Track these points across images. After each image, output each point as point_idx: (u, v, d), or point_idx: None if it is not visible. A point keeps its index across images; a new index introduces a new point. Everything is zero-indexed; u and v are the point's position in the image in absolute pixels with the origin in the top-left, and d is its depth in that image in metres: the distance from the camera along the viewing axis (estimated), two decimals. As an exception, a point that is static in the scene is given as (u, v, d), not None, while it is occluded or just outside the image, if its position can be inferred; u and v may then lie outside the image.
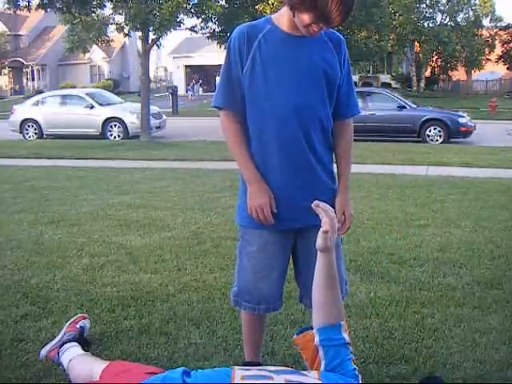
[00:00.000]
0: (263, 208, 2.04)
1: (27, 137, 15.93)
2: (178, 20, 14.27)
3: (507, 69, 37.78)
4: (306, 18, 1.87)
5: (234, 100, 2.06)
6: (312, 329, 1.85)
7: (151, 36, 14.37)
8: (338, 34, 2.12)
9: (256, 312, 2.25)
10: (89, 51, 29.57)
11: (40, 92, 28.41)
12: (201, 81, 39.15)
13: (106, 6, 15.28)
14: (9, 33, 43.71)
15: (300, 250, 2.22)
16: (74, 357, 2.36)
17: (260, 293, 2.19)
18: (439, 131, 13.79)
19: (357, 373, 1.75)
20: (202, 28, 15.74)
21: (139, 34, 14.63)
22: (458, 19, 35.80)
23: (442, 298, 3.28)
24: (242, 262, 2.22)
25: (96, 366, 2.10)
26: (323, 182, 2.14)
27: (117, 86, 40.12)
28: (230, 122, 2.10)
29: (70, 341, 2.53)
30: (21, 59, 43.35)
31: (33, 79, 44.35)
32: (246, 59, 2.00)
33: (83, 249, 4.37)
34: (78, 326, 2.67)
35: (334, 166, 2.23)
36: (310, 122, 2.04)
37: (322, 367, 1.75)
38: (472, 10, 36.41)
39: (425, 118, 13.91)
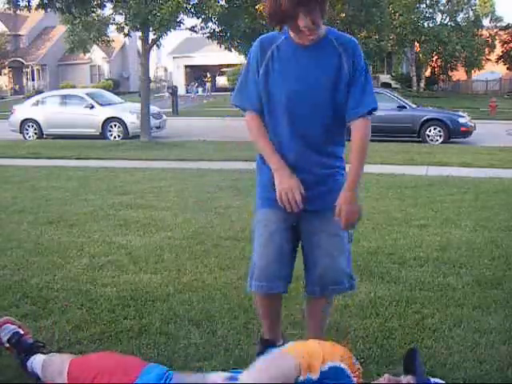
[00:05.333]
0: (292, 189, 2.17)
1: (27, 137, 15.91)
2: (178, 20, 14.26)
3: (507, 69, 37.75)
4: (300, 22, 2.05)
5: (252, 99, 2.27)
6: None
7: (151, 36, 14.36)
8: (350, 37, 2.25)
9: (261, 290, 2.33)
10: (89, 51, 29.62)
11: (40, 92, 28.41)
12: (210, 78, 39.17)
13: (105, 6, 15.29)
14: (9, 33, 43.66)
15: (303, 234, 2.33)
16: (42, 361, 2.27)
17: (264, 269, 2.27)
18: (439, 131, 13.78)
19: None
20: (201, 28, 15.70)
21: (139, 33, 14.62)
22: (458, 19, 35.79)
23: (442, 298, 3.28)
24: (254, 243, 2.35)
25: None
26: (327, 176, 2.29)
27: (117, 86, 40.11)
28: (251, 118, 2.30)
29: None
30: (21, 59, 43.32)
31: (33, 79, 44.33)
32: (261, 65, 2.22)
33: (83, 249, 4.37)
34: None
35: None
36: (315, 124, 2.22)
37: None
38: (472, 10, 36.41)
39: (425, 118, 13.90)
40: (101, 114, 15.58)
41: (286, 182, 2.18)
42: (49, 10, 14.20)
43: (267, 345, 2.41)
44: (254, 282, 2.31)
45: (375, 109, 2.22)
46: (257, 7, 16.06)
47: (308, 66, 2.19)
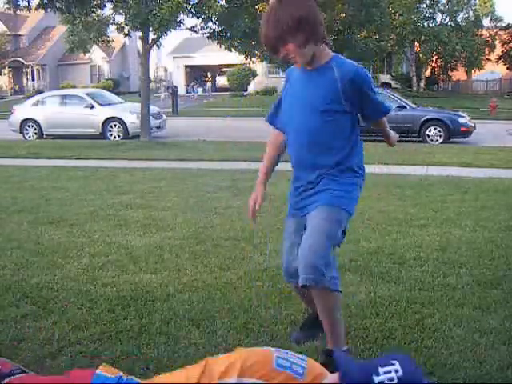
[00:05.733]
0: (250, 202, 2.63)
1: (27, 137, 15.92)
2: (178, 20, 14.26)
3: (507, 69, 37.78)
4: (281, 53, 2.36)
5: (273, 118, 2.70)
6: None
7: (151, 36, 14.36)
8: (354, 65, 2.41)
9: (291, 284, 2.69)
10: (89, 51, 29.63)
11: (40, 92, 28.40)
12: (210, 78, 39.20)
13: (105, 6, 15.29)
14: (9, 33, 43.67)
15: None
16: None
17: (285, 266, 2.62)
18: (439, 131, 13.79)
19: None
20: (201, 28, 15.69)
21: (139, 33, 14.62)
22: (458, 19, 35.78)
23: (442, 298, 3.28)
24: None
25: None
26: (317, 178, 2.50)
27: (117, 86, 40.11)
28: (271, 133, 2.72)
29: None
30: (21, 59, 43.33)
31: (33, 79, 44.33)
32: (284, 90, 2.62)
33: (83, 249, 4.37)
34: None
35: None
36: (312, 142, 2.45)
37: None
38: (472, 10, 36.41)
39: (425, 118, 13.91)
40: (101, 113, 15.58)
41: (251, 195, 2.63)
42: (49, 10, 14.20)
43: (311, 316, 2.78)
44: (285, 278, 2.71)
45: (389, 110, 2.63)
46: (257, 7, 16.07)
47: (305, 88, 2.45)
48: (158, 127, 15.95)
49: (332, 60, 2.41)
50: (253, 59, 20.65)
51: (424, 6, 34.70)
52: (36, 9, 14.23)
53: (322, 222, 2.41)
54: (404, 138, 13.61)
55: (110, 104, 16.44)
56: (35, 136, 15.91)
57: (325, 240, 2.38)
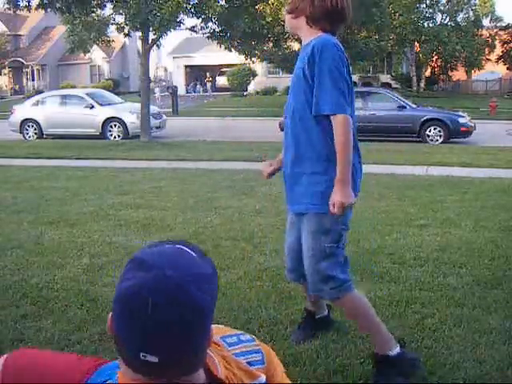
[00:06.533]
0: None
1: (27, 137, 15.91)
2: (178, 20, 14.26)
3: (507, 69, 37.75)
4: None
5: None
6: None
7: (151, 36, 14.36)
8: (321, 40, 2.27)
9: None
10: (89, 51, 29.60)
11: (40, 92, 28.38)
12: (210, 78, 39.23)
13: (106, 6, 15.28)
14: (9, 33, 43.62)
15: None
16: None
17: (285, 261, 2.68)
18: (439, 131, 13.78)
19: None
20: (201, 28, 15.70)
21: (139, 33, 14.62)
22: (458, 19, 35.75)
23: (442, 298, 3.28)
24: None
25: None
26: (298, 175, 2.40)
27: (117, 86, 40.09)
28: None
29: None
30: (21, 59, 43.30)
31: (33, 79, 44.31)
32: None
33: (83, 249, 4.38)
34: None
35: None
36: (291, 118, 2.39)
37: None
38: (472, 10, 36.39)
39: (425, 118, 13.90)
40: (101, 113, 15.57)
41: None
42: (49, 10, 14.18)
43: (309, 315, 2.84)
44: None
45: (322, 112, 2.23)
46: (257, 7, 16.07)
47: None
48: (158, 127, 15.94)
49: (316, 37, 2.30)
50: (253, 59, 20.66)
51: (424, 5, 34.65)
52: (36, 9, 14.22)
53: (310, 241, 2.41)
54: (404, 138, 13.66)
55: (109, 104, 16.43)
56: (35, 136, 15.90)
57: (316, 257, 2.42)
